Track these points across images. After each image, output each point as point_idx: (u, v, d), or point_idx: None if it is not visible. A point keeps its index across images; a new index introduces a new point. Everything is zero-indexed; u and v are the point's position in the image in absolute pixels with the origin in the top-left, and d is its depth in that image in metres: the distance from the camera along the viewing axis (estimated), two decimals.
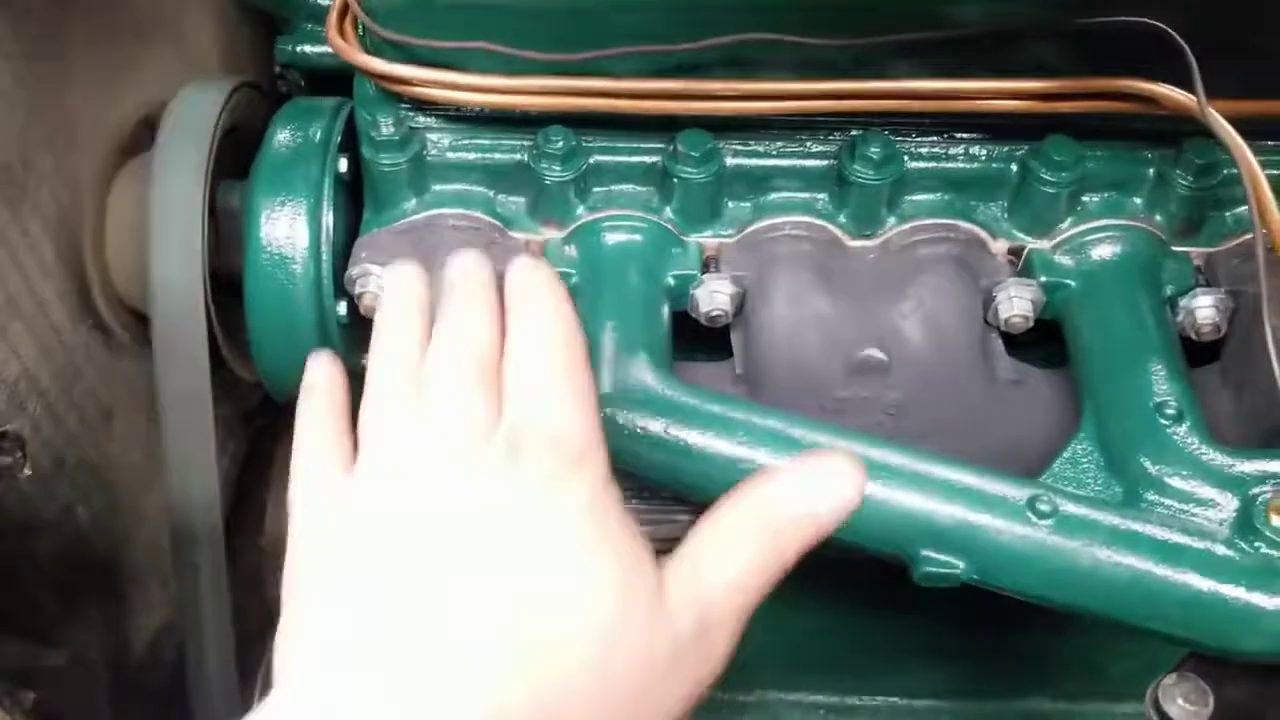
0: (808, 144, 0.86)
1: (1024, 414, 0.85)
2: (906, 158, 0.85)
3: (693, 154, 0.83)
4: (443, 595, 0.48)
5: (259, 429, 1.21)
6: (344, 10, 0.83)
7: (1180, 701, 0.83)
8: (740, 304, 0.85)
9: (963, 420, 0.85)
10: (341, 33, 0.83)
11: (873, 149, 0.82)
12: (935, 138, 0.86)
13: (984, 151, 0.86)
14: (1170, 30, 0.74)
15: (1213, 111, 0.73)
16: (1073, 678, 1.14)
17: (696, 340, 0.88)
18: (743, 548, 0.52)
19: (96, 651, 0.94)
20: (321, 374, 0.63)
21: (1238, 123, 0.76)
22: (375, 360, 0.59)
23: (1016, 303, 0.82)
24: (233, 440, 1.18)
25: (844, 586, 1.13)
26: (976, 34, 0.79)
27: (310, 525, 0.54)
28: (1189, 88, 0.75)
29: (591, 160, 0.85)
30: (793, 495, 0.53)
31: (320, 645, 0.49)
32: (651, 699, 0.49)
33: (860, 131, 0.84)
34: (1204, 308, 0.82)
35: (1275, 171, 0.84)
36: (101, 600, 0.96)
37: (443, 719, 0.45)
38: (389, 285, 0.62)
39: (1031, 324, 0.83)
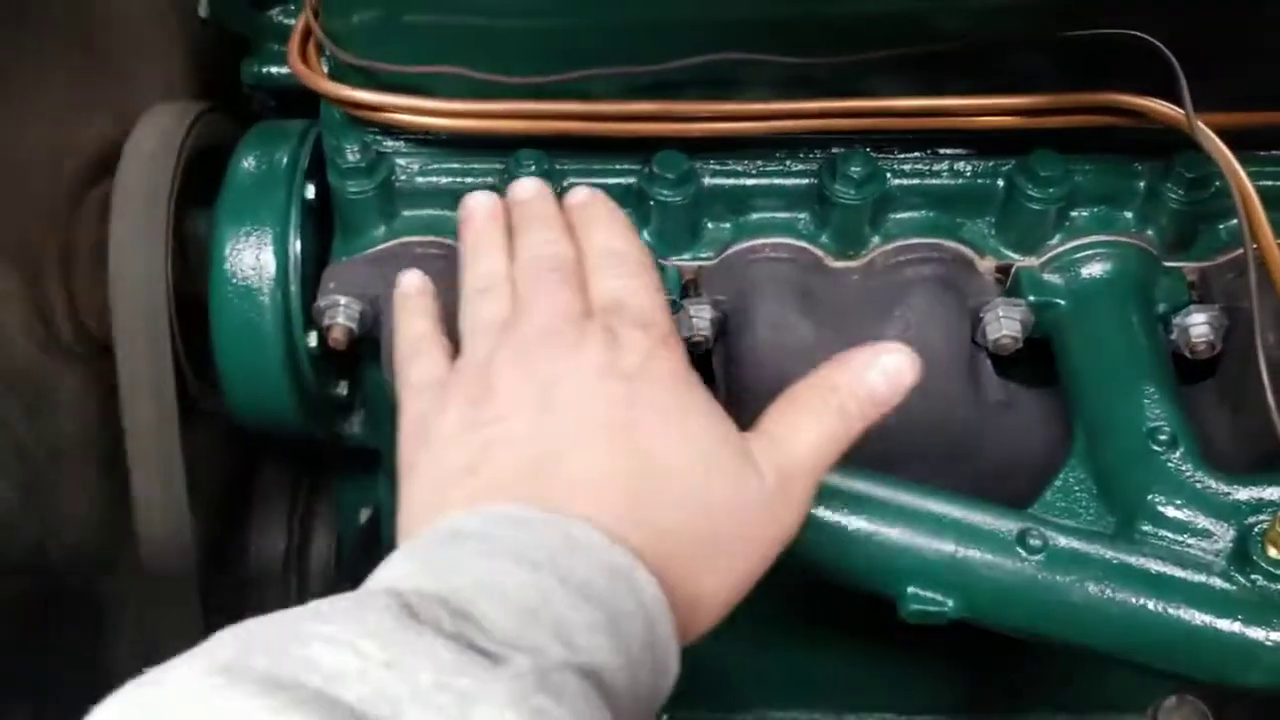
0: (788, 163, 0.83)
1: (1014, 436, 0.83)
2: (889, 175, 0.82)
3: (668, 176, 0.80)
4: (560, 440, 0.54)
5: (243, 450, 1.19)
6: (306, 33, 0.81)
7: None
8: (721, 328, 0.82)
9: (952, 444, 0.83)
10: (304, 56, 0.81)
11: (854, 168, 0.80)
12: (919, 154, 0.83)
13: (969, 167, 0.83)
14: (1157, 43, 0.72)
15: (1201, 125, 0.70)
16: (1073, 691, 1.12)
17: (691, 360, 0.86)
18: (813, 423, 0.59)
19: (67, 699, 0.92)
20: (415, 279, 0.73)
21: (1228, 134, 0.74)
22: (468, 271, 0.68)
23: (1005, 323, 0.80)
24: (214, 463, 1.16)
25: (838, 603, 1.11)
26: (960, 49, 0.76)
27: (423, 408, 0.61)
28: (1177, 100, 0.73)
29: (565, 184, 0.83)
30: (856, 379, 0.60)
31: (443, 502, 0.54)
32: (741, 540, 0.55)
33: (841, 149, 0.82)
34: (1198, 325, 0.80)
35: (1269, 183, 0.83)
36: (74, 642, 0.94)
37: (564, 530, 0.49)
38: (468, 206, 0.71)
39: (1021, 344, 0.81)
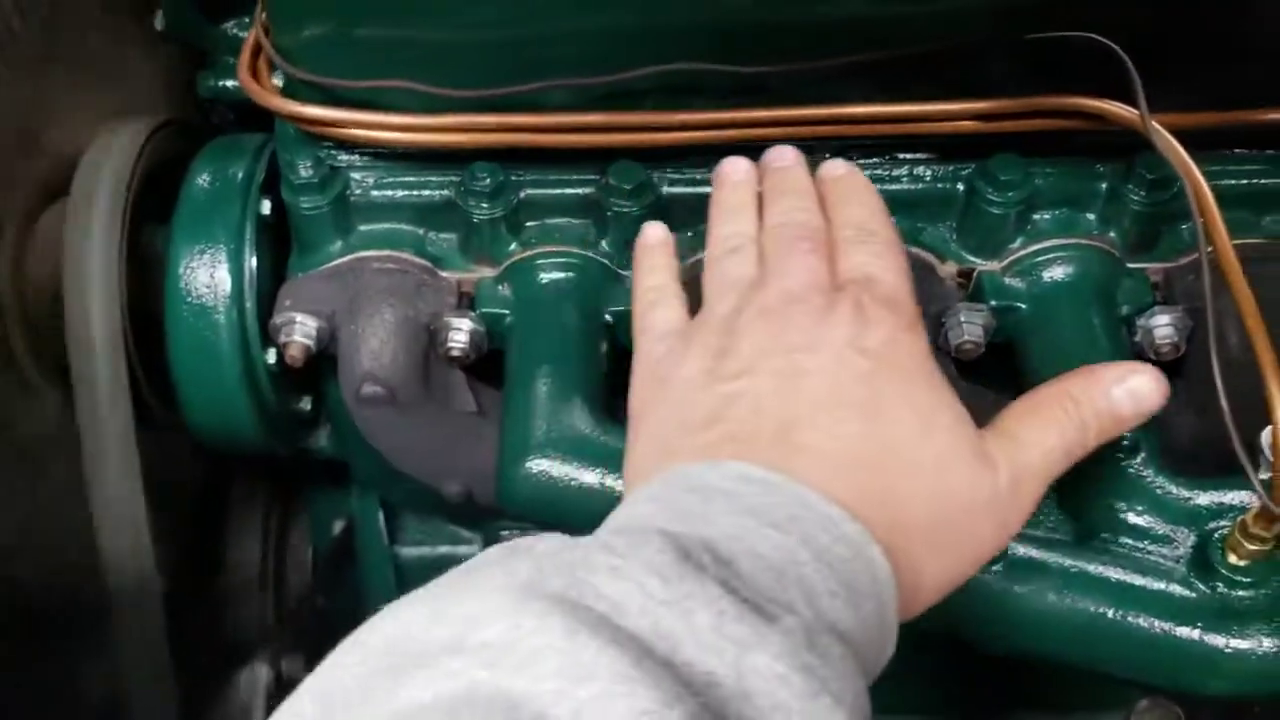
0: None
1: None
2: None
3: (625, 186, 0.79)
4: (803, 407, 0.53)
5: (211, 461, 1.18)
6: (256, 49, 0.80)
7: None
8: None
9: None
10: (254, 72, 0.80)
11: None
12: (878, 159, 0.83)
13: (929, 172, 0.83)
14: (1113, 45, 0.71)
15: (1156, 125, 0.70)
16: (1056, 690, 1.11)
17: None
18: (1052, 431, 0.57)
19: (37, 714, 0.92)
20: (658, 231, 0.73)
21: (1189, 134, 0.74)
22: (716, 230, 0.67)
23: (967, 328, 0.79)
24: (185, 478, 1.15)
25: None
26: (916, 55, 0.76)
27: (661, 354, 0.61)
28: (1135, 102, 0.72)
29: (522, 195, 0.82)
30: (1102, 395, 0.58)
31: (675, 449, 0.54)
32: (966, 537, 0.54)
33: None
34: (1162, 326, 0.80)
35: (1233, 182, 0.83)
36: (42, 666, 0.93)
37: (803, 498, 0.48)
38: (723, 169, 0.71)
39: (983, 349, 0.80)
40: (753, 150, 0.81)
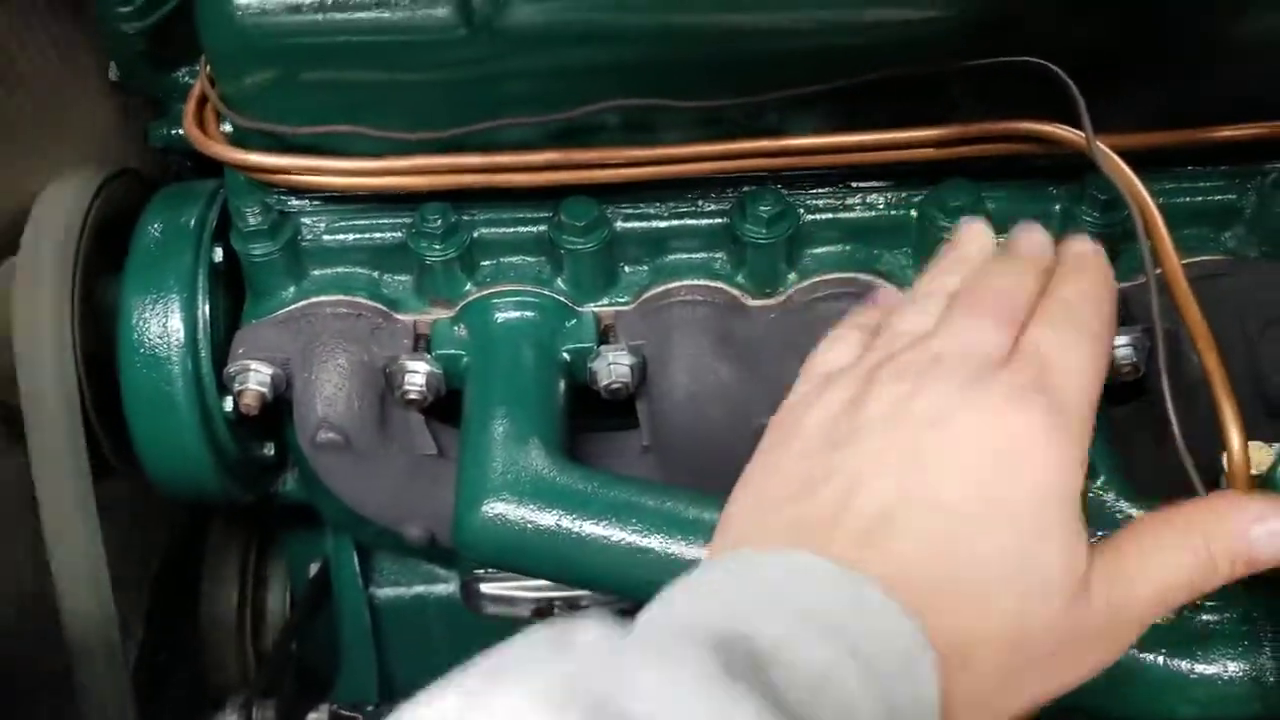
0: (700, 203, 0.82)
1: None
2: (803, 211, 0.81)
3: (577, 224, 0.79)
4: (903, 498, 0.49)
5: (188, 510, 1.17)
6: (202, 99, 0.80)
7: None
8: (642, 373, 0.81)
9: None
10: (200, 122, 0.80)
11: (763, 207, 0.79)
12: (831, 189, 0.82)
13: (882, 199, 0.82)
14: (1056, 69, 0.71)
15: (1101, 146, 0.69)
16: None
17: (613, 405, 0.84)
18: (1171, 568, 0.52)
19: None
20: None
21: (1139, 154, 0.74)
22: (922, 278, 0.62)
23: None
24: (160, 521, 1.14)
25: None
26: (867, 85, 0.75)
27: (804, 395, 0.57)
28: (1081, 125, 0.72)
29: (476, 234, 0.82)
30: (1238, 534, 0.52)
31: (765, 522, 0.51)
32: (1044, 670, 0.50)
33: (751, 188, 0.81)
34: (1121, 347, 0.79)
35: (1190, 199, 0.83)
36: (11, 708, 0.92)
37: (868, 601, 0.46)
38: (963, 231, 0.64)
39: None
40: (704, 184, 0.82)
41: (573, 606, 1.13)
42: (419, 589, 1.17)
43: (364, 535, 1.07)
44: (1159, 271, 0.67)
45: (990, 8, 0.74)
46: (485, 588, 1.10)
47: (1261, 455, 0.67)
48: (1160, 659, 0.64)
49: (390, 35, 0.74)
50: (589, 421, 0.86)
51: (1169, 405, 0.62)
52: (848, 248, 0.83)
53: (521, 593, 1.11)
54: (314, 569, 1.17)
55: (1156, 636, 0.65)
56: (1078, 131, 0.72)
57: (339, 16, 0.74)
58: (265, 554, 1.22)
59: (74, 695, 0.93)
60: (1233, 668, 0.64)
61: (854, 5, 0.73)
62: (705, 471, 0.80)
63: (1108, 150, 0.70)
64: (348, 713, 0.93)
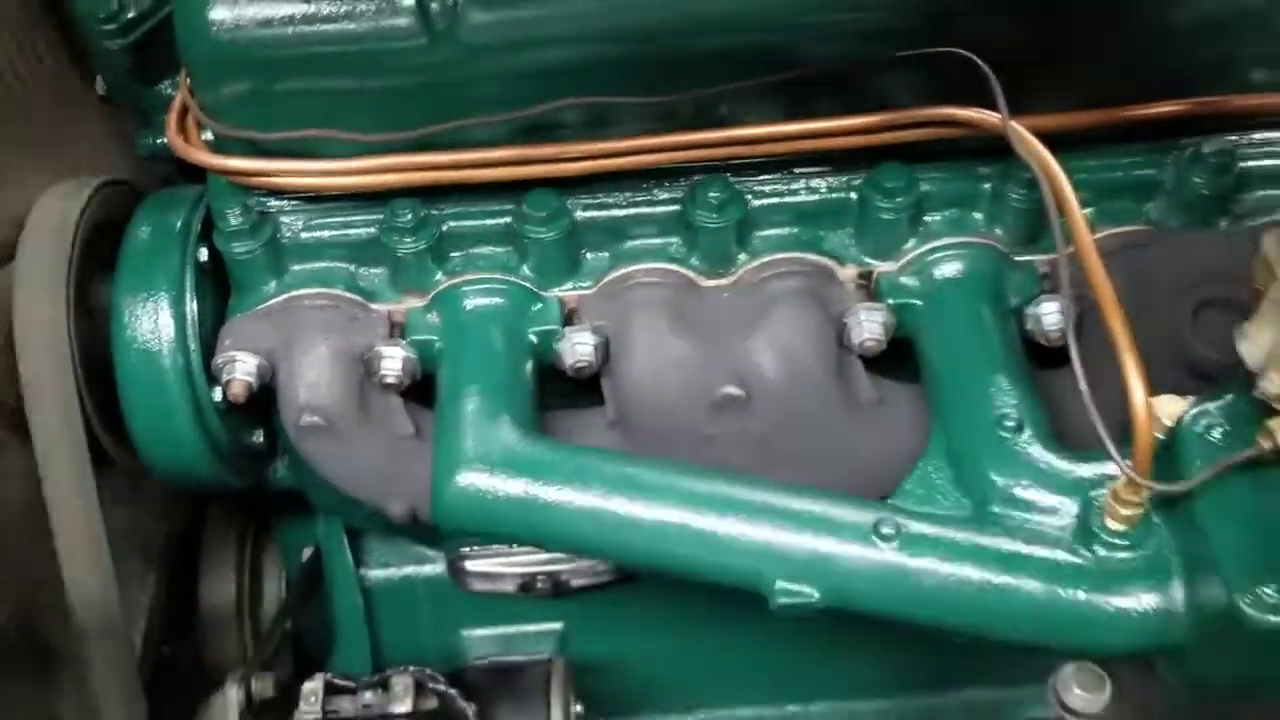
0: (655, 192, 0.88)
1: (890, 430, 0.87)
2: (750, 197, 0.87)
3: (539, 214, 0.84)
4: None
5: (187, 507, 1.22)
6: (184, 109, 0.85)
7: (1078, 690, 0.86)
8: (605, 352, 0.87)
9: (830, 443, 0.87)
10: (183, 131, 0.85)
11: (712, 194, 0.84)
12: (777, 175, 0.88)
13: (825, 184, 0.88)
14: (975, 58, 0.76)
15: (1014, 126, 0.75)
16: (1007, 665, 1.16)
17: (581, 386, 0.90)
18: None
19: None
20: None
21: (1060, 135, 0.79)
22: None
23: (868, 326, 0.85)
24: (165, 517, 1.19)
25: (754, 598, 1.16)
26: (804, 77, 0.81)
27: None
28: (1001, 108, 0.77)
29: (445, 228, 0.87)
30: None
31: None
32: None
33: (702, 177, 0.86)
34: (1049, 314, 0.85)
35: (1115, 174, 0.88)
36: (19, 702, 0.97)
37: None
38: None
39: (885, 345, 0.85)
40: (659, 174, 0.87)
41: (555, 581, 1.19)
42: (408, 570, 1.22)
43: (352, 519, 1.12)
44: (1070, 250, 0.72)
45: (920, 6, 0.80)
46: (471, 565, 1.16)
47: (1174, 407, 0.73)
48: (1080, 595, 0.70)
49: (356, 45, 0.80)
50: (560, 401, 0.92)
51: (1076, 365, 0.67)
52: (794, 230, 0.88)
53: (506, 568, 1.16)
54: (307, 554, 1.23)
55: (1075, 574, 0.71)
56: (995, 114, 0.77)
57: (308, 29, 0.79)
58: (261, 545, 1.28)
59: (84, 682, 0.98)
60: (1146, 601, 0.69)
61: (792, 5, 0.79)
62: (667, 440, 0.86)
63: (1021, 130, 0.76)
64: (341, 681, 0.98)
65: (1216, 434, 0.69)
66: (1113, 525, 0.70)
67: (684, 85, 0.80)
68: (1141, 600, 0.69)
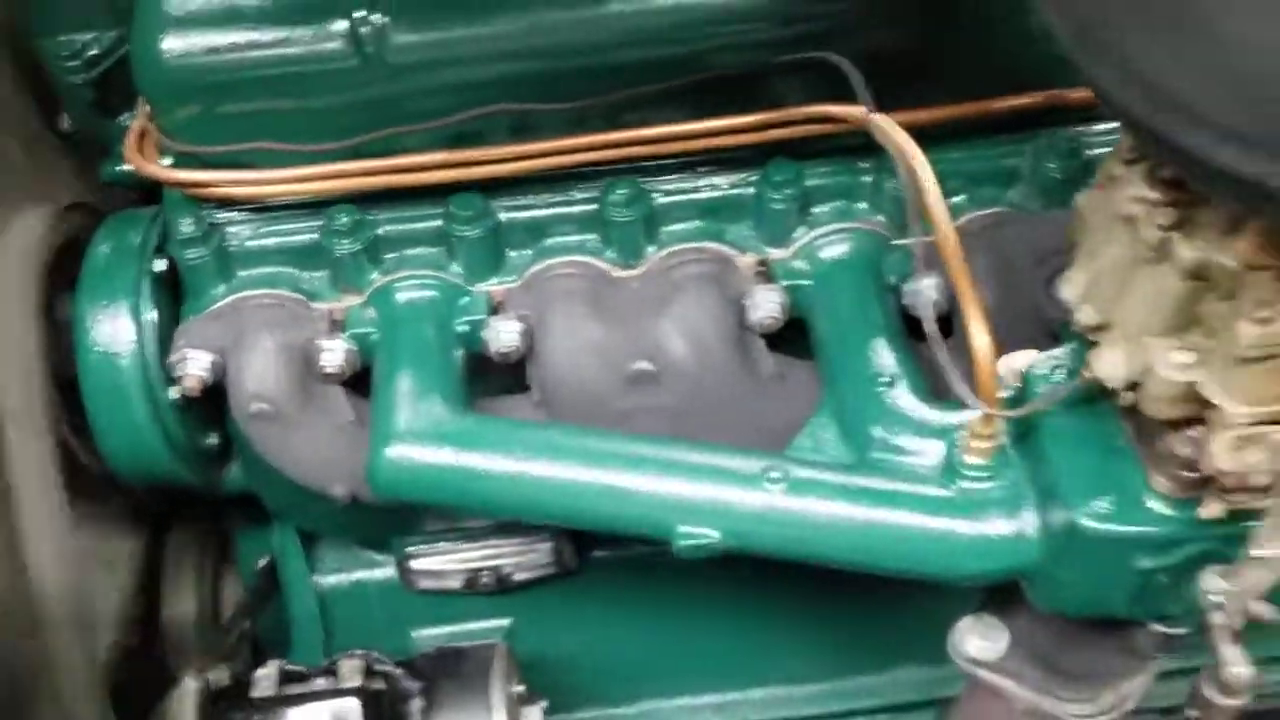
0: (572, 193, 0.97)
1: (791, 401, 0.96)
2: (658, 195, 0.97)
3: (465, 214, 0.94)
4: None
5: (153, 519, 1.28)
6: (142, 132, 0.94)
7: (977, 640, 0.94)
8: (529, 340, 0.95)
9: (737, 414, 0.95)
10: (142, 151, 0.94)
11: (621, 191, 0.94)
12: (681, 174, 0.98)
13: (725, 181, 0.98)
14: (841, 60, 0.87)
15: (876, 119, 0.85)
16: (934, 642, 1.23)
17: (514, 379, 0.98)
18: None
19: None
20: None
21: (941, 127, 0.90)
22: None
23: (764, 306, 0.94)
24: (130, 536, 1.25)
25: (704, 586, 1.23)
26: (700, 82, 0.91)
27: None
28: (882, 108, 0.87)
29: (380, 231, 0.96)
30: None
31: None
32: None
33: (613, 178, 0.96)
34: (924, 290, 0.94)
35: (981, 164, 0.98)
36: None
37: None
38: None
39: (782, 323, 0.94)
40: (576, 176, 0.97)
41: (499, 576, 1.26)
42: (360, 574, 1.29)
43: (303, 521, 1.19)
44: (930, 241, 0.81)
45: (799, 18, 0.91)
46: (417, 564, 1.23)
47: (1025, 358, 0.82)
48: (945, 523, 0.78)
49: (294, 67, 0.90)
50: (497, 393, 1.00)
51: (929, 330, 0.76)
52: (699, 223, 0.98)
53: (451, 565, 1.23)
54: (263, 562, 1.29)
55: (942, 505, 0.79)
56: (860, 110, 0.87)
57: (250, 54, 0.89)
58: (222, 556, 1.34)
59: (53, 695, 1.03)
60: (1002, 526, 0.78)
61: (683, 20, 0.89)
62: (587, 416, 0.94)
63: (881, 123, 0.85)
64: (294, 667, 1.04)
65: (1059, 375, 0.78)
66: (971, 460, 0.79)
67: (594, 93, 0.90)
68: (999, 525, 0.78)
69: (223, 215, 0.97)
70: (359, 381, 0.96)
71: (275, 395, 0.93)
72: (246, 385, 0.93)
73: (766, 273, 0.97)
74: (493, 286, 0.97)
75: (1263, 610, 0.68)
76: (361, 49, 0.89)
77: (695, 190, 0.98)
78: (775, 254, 0.97)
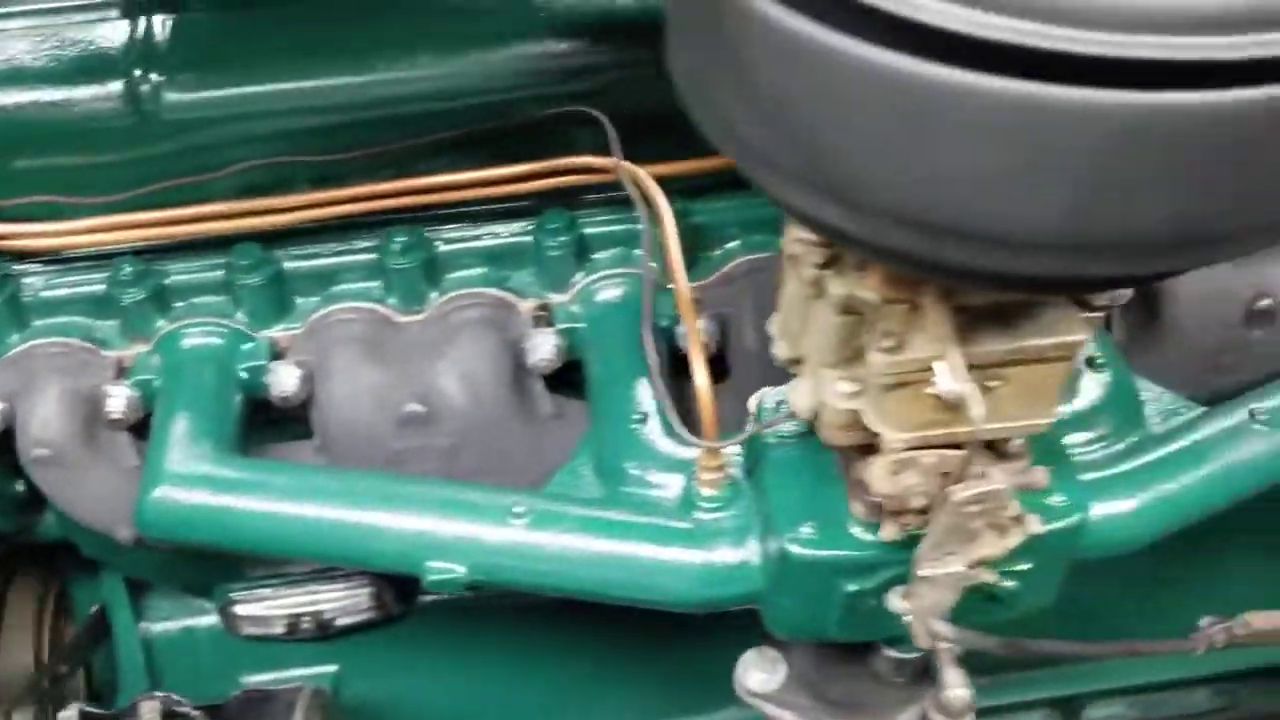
0: (355, 241, 1.01)
1: (571, 440, 0.99)
2: (440, 242, 1.00)
3: (243, 263, 0.97)
4: None
5: None
6: None
7: (757, 673, 0.96)
8: (310, 385, 0.98)
9: (514, 454, 0.98)
10: None
11: (399, 239, 0.98)
12: (465, 223, 1.02)
13: (507, 229, 1.02)
14: (598, 114, 0.92)
15: (624, 168, 0.90)
16: None
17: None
18: None
19: None
20: None
21: (681, 180, 0.95)
22: None
23: (540, 349, 0.97)
24: None
25: (533, 632, 1.25)
26: (464, 136, 0.95)
27: None
28: (632, 159, 0.92)
29: (169, 280, 0.99)
30: None
31: None
32: None
33: (395, 228, 0.99)
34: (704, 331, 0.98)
35: (751, 214, 1.03)
36: None
37: None
38: None
39: (558, 364, 0.98)
40: (360, 226, 1.00)
41: (319, 621, 1.27)
42: (188, 621, 1.30)
43: (123, 567, 1.20)
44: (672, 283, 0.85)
45: (560, 75, 0.95)
46: (240, 609, 1.24)
47: (775, 394, 0.86)
48: (678, 552, 0.82)
49: (76, 124, 0.93)
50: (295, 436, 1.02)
51: (653, 370, 0.80)
52: (484, 270, 1.02)
53: (273, 611, 1.25)
54: (94, 608, 1.30)
55: (675, 535, 0.82)
56: (611, 161, 0.92)
57: (34, 113, 0.93)
58: (59, 607, 1.34)
59: None
60: (729, 555, 0.81)
61: (441, 78, 0.94)
62: (363, 457, 0.97)
63: (629, 172, 0.90)
64: (94, 710, 1.05)
65: (783, 408, 0.82)
66: (705, 492, 0.83)
67: (367, 144, 0.95)
68: (726, 554, 0.81)
69: (17, 267, 0.99)
70: (146, 427, 0.99)
71: (57, 440, 0.95)
72: (31, 430, 0.95)
73: (548, 317, 1.01)
74: (277, 333, 1.00)
75: (943, 630, 0.72)
76: (139, 107, 0.93)
77: (477, 238, 1.02)
78: (556, 298, 1.01)
